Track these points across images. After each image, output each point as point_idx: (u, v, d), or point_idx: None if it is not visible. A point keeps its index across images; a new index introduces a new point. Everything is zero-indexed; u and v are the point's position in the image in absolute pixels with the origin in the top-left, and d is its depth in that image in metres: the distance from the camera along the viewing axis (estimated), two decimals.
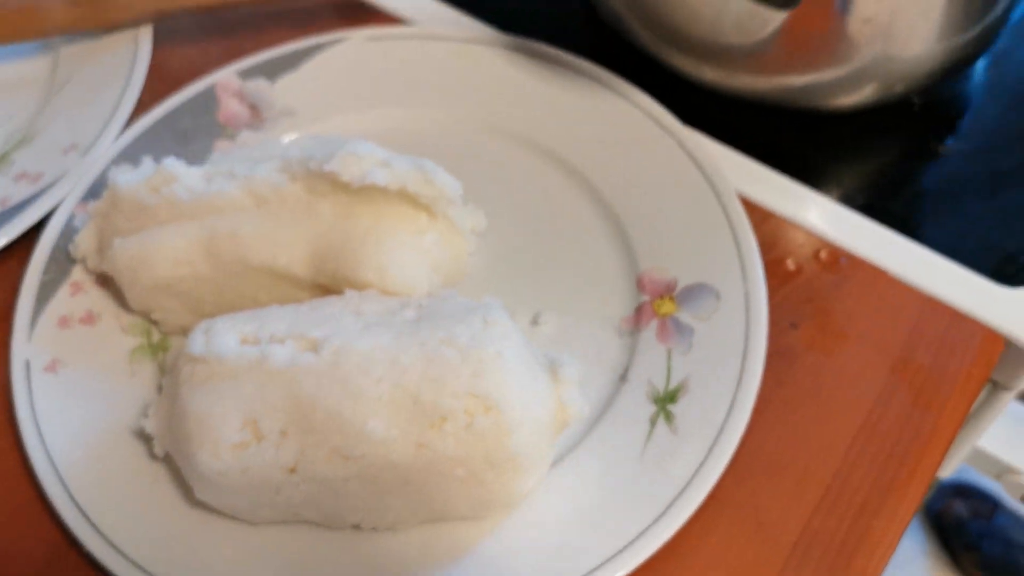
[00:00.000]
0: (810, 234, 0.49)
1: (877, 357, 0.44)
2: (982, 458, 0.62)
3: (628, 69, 0.53)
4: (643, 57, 0.53)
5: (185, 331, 0.44)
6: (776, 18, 0.47)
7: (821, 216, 0.49)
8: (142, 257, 0.41)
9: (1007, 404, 0.50)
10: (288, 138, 0.50)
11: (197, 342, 0.37)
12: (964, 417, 0.43)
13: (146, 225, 0.42)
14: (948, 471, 0.59)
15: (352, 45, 0.53)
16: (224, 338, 0.37)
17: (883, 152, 0.53)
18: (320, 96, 0.51)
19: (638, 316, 0.44)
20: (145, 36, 0.55)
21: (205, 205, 0.41)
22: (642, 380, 0.42)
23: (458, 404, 0.35)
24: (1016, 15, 0.51)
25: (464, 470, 0.35)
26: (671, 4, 0.49)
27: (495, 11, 0.57)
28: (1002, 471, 0.62)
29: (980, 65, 0.56)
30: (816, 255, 0.48)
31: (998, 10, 0.49)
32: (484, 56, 0.53)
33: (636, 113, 0.50)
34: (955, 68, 0.51)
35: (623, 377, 0.42)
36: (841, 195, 0.51)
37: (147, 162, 0.43)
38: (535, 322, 0.45)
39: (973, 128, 0.54)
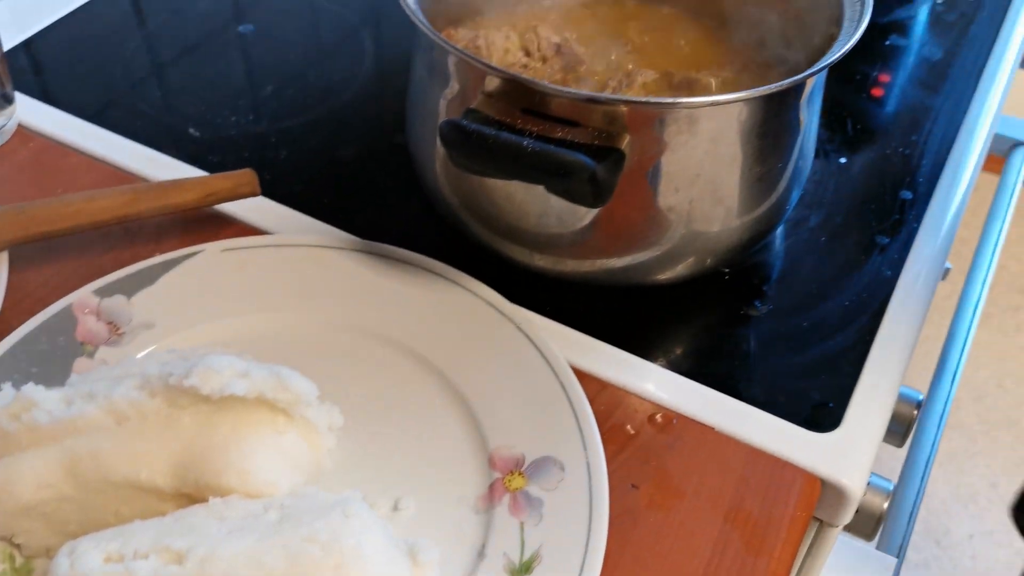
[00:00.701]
0: (644, 400, 0.53)
1: (711, 509, 0.48)
2: None
3: (468, 261, 0.58)
4: (480, 249, 0.59)
5: (49, 552, 0.44)
6: (591, 212, 0.53)
7: (652, 382, 0.54)
8: (4, 484, 0.42)
9: (835, 539, 0.55)
10: (147, 352, 0.52)
11: (61, 566, 0.38)
12: (794, 557, 0.48)
13: (7, 451, 0.43)
14: None
15: (208, 257, 0.56)
16: (88, 558, 0.38)
17: (702, 319, 0.59)
18: (179, 308, 0.54)
19: (491, 493, 0.47)
20: (2, 261, 0.57)
21: (66, 427, 0.42)
22: (499, 554, 0.45)
23: None
24: (795, 194, 0.59)
25: None
26: (500, 202, 0.55)
27: (344, 217, 0.62)
28: None
29: (779, 233, 0.64)
30: (652, 419, 0.53)
31: (780, 189, 0.57)
32: (335, 259, 0.57)
33: (477, 302, 0.55)
34: (755, 241, 0.58)
35: (481, 553, 0.45)
36: (669, 361, 0.56)
37: (7, 389, 0.45)
38: (396, 508, 0.47)
39: (778, 291, 0.61)
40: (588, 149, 0.48)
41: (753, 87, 0.63)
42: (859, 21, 0.54)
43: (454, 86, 0.53)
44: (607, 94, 0.57)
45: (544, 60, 0.65)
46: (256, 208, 0.61)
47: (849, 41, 0.52)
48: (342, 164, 0.67)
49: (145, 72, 0.73)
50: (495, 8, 0.69)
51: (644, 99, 0.55)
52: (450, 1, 0.66)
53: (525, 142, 0.46)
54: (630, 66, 0.66)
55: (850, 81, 0.76)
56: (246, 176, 0.58)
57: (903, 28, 0.82)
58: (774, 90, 0.49)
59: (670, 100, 0.51)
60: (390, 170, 0.66)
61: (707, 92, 0.63)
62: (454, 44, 0.65)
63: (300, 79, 0.73)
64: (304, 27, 0.78)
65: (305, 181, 0.65)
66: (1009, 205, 0.91)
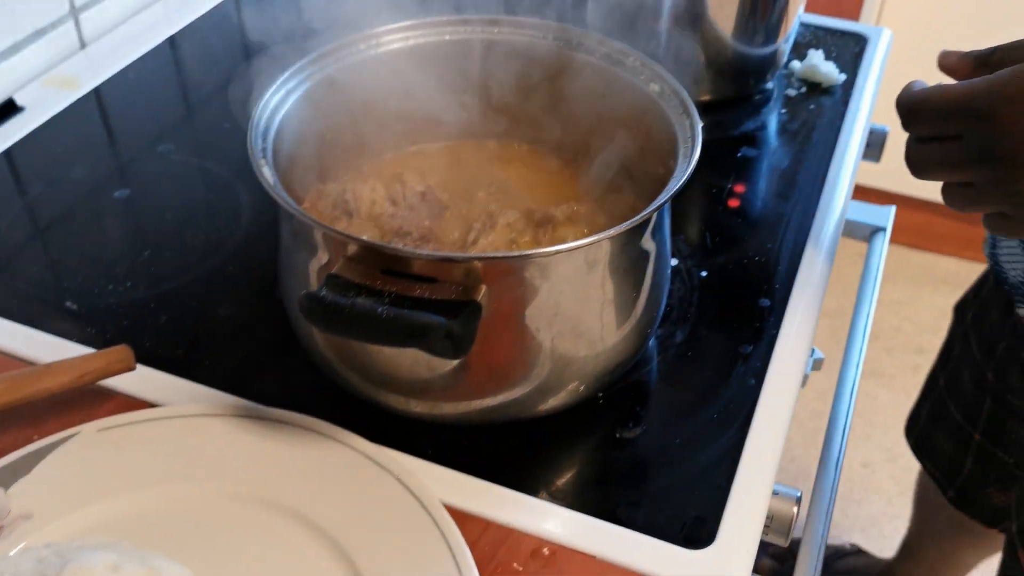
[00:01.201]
0: (528, 535, 0.55)
1: None
2: None
3: (349, 412, 0.60)
4: (360, 399, 0.60)
5: None
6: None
7: (534, 517, 0.56)
8: None
9: None
10: (25, 544, 0.52)
11: None
12: None
13: None
14: None
15: (84, 439, 0.57)
16: None
17: (580, 447, 0.61)
18: (58, 495, 0.54)
19: None
20: None
21: None
22: None
23: None
24: (657, 316, 0.62)
25: None
26: (372, 354, 0.57)
27: (226, 378, 0.63)
28: None
29: (649, 351, 0.67)
30: (536, 553, 0.54)
31: (639, 314, 0.60)
32: (215, 427, 0.58)
33: (356, 457, 0.56)
34: (622, 366, 0.61)
35: None
36: (550, 493, 0.58)
37: None
38: None
39: (651, 411, 0.63)
40: (444, 305, 0.50)
41: (608, 216, 0.68)
42: (690, 156, 0.58)
43: (316, 251, 0.55)
44: (457, 253, 0.60)
45: (411, 208, 0.68)
46: (136, 379, 0.62)
47: (682, 178, 0.56)
48: (223, 323, 0.68)
49: (20, 246, 0.74)
50: (362, 158, 0.72)
51: (493, 254, 0.58)
52: (317, 157, 0.69)
53: (379, 309, 0.48)
54: (493, 207, 0.69)
55: (707, 195, 0.80)
56: (120, 352, 0.59)
57: (753, 139, 0.87)
58: (616, 233, 0.53)
59: (517, 254, 0.54)
60: (271, 325, 0.67)
61: (568, 225, 0.66)
62: (315, 217, 0.67)
63: (177, 239, 0.74)
64: (179, 186, 0.80)
65: (186, 345, 0.66)
66: (874, 288, 0.96)
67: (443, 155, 0.74)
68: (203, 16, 1.02)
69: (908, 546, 1.35)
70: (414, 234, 0.65)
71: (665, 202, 0.55)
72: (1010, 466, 0.99)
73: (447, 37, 0.69)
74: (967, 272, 2.25)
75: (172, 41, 0.99)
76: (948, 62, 0.59)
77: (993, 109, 0.50)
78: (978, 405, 1.01)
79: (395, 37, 0.68)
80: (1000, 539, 1.03)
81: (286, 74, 0.63)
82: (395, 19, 0.68)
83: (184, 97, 0.93)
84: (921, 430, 1.14)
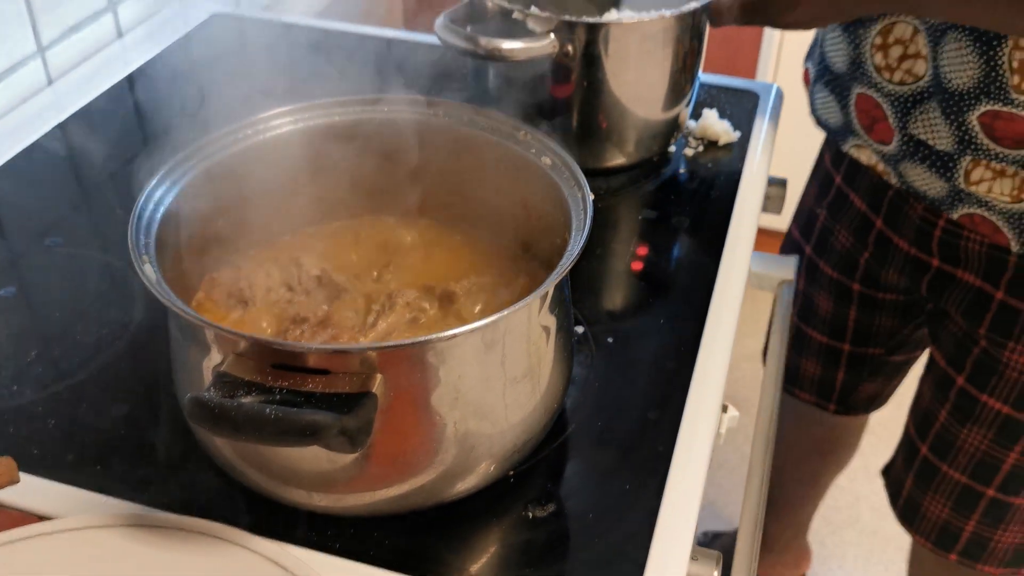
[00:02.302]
0: None
1: None
2: None
3: (251, 511, 0.57)
4: (262, 497, 0.58)
5: None
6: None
7: None
8: None
9: None
10: None
11: None
12: None
13: None
14: None
15: None
16: None
17: (493, 528, 0.60)
18: None
19: None
20: None
21: None
22: None
23: None
24: (562, 390, 0.62)
25: None
26: (269, 450, 0.55)
27: (121, 483, 0.60)
28: None
29: (561, 424, 0.66)
30: None
31: (543, 389, 0.59)
32: (106, 539, 0.55)
33: (259, 560, 0.54)
34: (530, 443, 0.60)
35: None
36: None
37: None
38: None
39: (562, 487, 0.62)
40: (338, 399, 0.49)
41: (510, 289, 0.67)
42: (583, 230, 0.58)
43: (205, 348, 0.53)
44: (348, 344, 0.59)
45: (308, 293, 0.66)
46: (23, 491, 0.59)
47: (574, 253, 0.56)
48: (117, 424, 0.65)
49: None
50: (258, 243, 0.71)
51: (385, 344, 0.57)
52: (210, 245, 0.67)
53: (267, 409, 0.46)
54: (393, 285, 0.68)
55: (610, 260, 0.81)
56: (2, 465, 0.56)
57: (654, 201, 0.88)
58: (511, 312, 0.52)
59: (410, 341, 0.53)
60: (168, 424, 0.65)
61: (469, 300, 0.65)
62: (210, 307, 0.66)
63: (66, 338, 0.71)
64: (69, 281, 0.77)
65: (77, 450, 0.63)
66: (783, 336, 0.97)
67: (342, 234, 0.73)
68: (95, 100, 1.00)
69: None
70: (312, 320, 0.63)
71: (558, 279, 0.54)
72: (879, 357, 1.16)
73: (336, 118, 0.68)
74: None
75: (63, 127, 0.96)
76: None
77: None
78: (842, 322, 1.13)
79: (283, 121, 0.67)
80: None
81: (169, 164, 0.62)
82: (281, 104, 0.67)
83: (76, 185, 0.90)
84: (788, 365, 1.21)
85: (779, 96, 1.02)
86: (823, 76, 0.98)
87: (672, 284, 0.79)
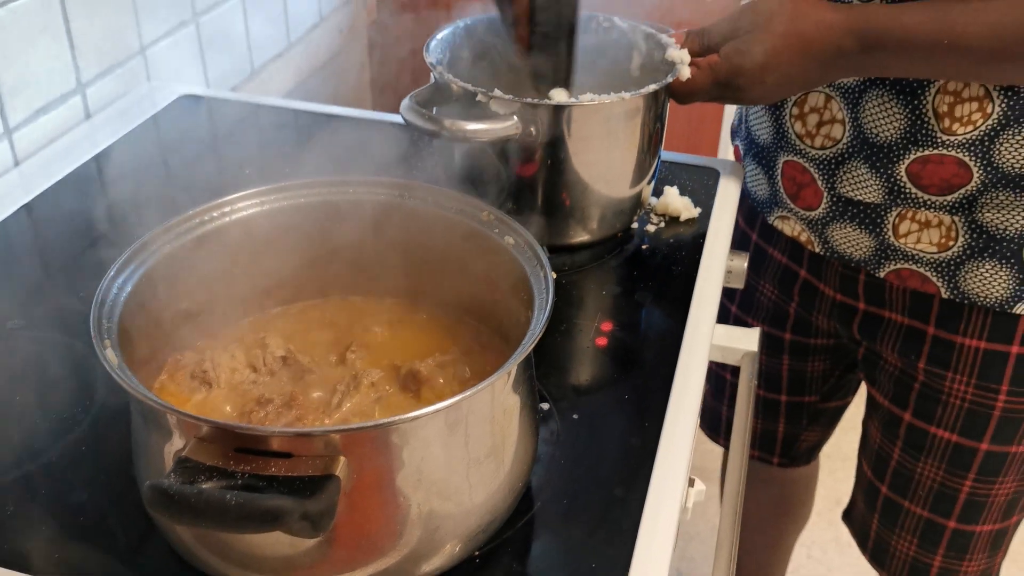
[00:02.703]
0: None
1: None
2: None
3: None
4: None
5: None
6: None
7: None
8: None
9: None
10: None
11: None
12: None
13: None
14: None
15: None
16: None
17: None
18: None
19: None
20: None
21: None
22: None
23: None
24: (527, 468, 0.62)
25: None
26: (231, 534, 0.54)
27: (80, 573, 0.59)
28: None
29: (526, 502, 0.66)
30: None
31: (507, 467, 0.60)
32: None
33: None
34: (495, 523, 0.60)
35: None
36: None
37: None
38: None
39: (529, 567, 0.62)
40: (300, 483, 0.49)
41: (475, 367, 0.67)
42: (545, 308, 0.59)
43: (166, 432, 0.53)
44: (311, 428, 0.59)
45: (272, 374, 0.67)
46: None
47: (536, 332, 0.56)
48: (77, 510, 0.64)
49: None
50: (224, 324, 0.71)
51: (347, 427, 0.57)
52: (175, 327, 0.67)
53: (228, 496, 0.46)
54: (358, 364, 0.68)
55: (575, 336, 0.81)
56: None
57: (617, 277, 0.89)
58: (473, 393, 0.52)
59: (373, 423, 0.53)
60: (130, 509, 0.64)
61: (434, 379, 0.66)
62: (173, 389, 0.65)
63: (27, 422, 0.70)
64: (30, 364, 0.76)
65: (35, 538, 0.62)
66: (748, 407, 0.98)
67: (308, 315, 0.73)
68: (61, 181, 1.00)
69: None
70: (276, 401, 0.63)
71: (520, 358, 0.55)
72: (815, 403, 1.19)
73: (301, 200, 0.69)
74: None
75: (28, 208, 0.96)
76: (687, 44, 0.88)
77: (730, 80, 0.84)
78: (776, 372, 1.16)
79: (249, 203, 0.68)
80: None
81: (134, 247, 0.62)
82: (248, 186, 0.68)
83: (41, 267, 0.90)
84: (727, 423, 1.25)
85: (739, 172, 1.04)
86: (751, 150, 1.02)
87: (637, 359, 0.79)
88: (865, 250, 0.94)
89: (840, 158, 0.91)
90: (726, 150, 1.75)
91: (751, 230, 1.10)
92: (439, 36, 0.93)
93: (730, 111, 1.73)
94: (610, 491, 0.66)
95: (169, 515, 0.46)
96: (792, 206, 0.98)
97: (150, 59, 1.19)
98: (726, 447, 1.28)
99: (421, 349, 0.69)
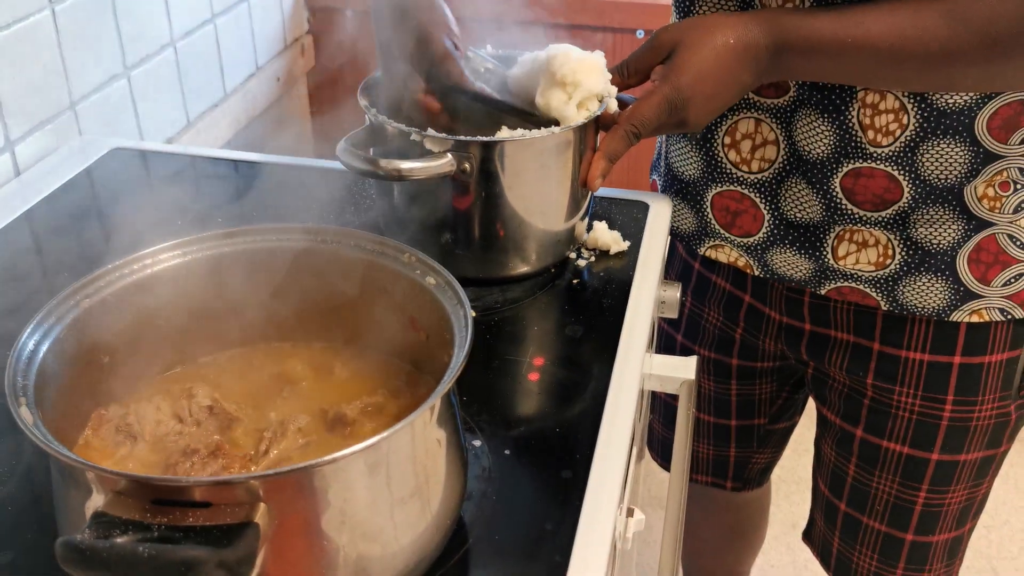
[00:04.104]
0: None
1: None
2: None
3: None
4: None
5: None
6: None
7: None
8: None
9: None
10: None
11: None
12: None
13: None
14: None
15: None
16: None
17: None
18: None
19: None
20: None
21: None
22: None
23: None
24: (456, 504, 0.62)
25: None
26: None
27: None
28: None
29: (459, 537, 0.66)
30: None
31: (436, 504, 0.60)
32: None
33: None
34: (427, 560, 0.60)
35: None
36: None
37: None
38: None
39: None
40: (217, 532, 0.49)
41: (402, 409, 0.68)
42: (464, 346, 0.60)
43: (84, 489, 0.53)
44: (226, 476, 0.59)
45: (198, 424, 0.66)
46: None
47: (455, 370, 0.57)
48: (3, 571, 0.63)
49: None
50: (150, 375, 0.71)
51: (263, 473, 0.57)
52: (98, 380, 0.67)
53: (141, 548, 0.46)
54: (286, 411, 0.68)
55: (507, 372, 0.82)
56: None
57: (549, 311, 0.90)
58: (388, 435, 0.53)
59: (288, 469, 0.53)
60: (56, 569, 0.63)
61: (363, 422, 0.66)
62: (96, 444, 0.65)
63: None
64: None
65: None
66: (687, 440, 0.99)
67: (235, 363, 0.73)
68: None
69: None
70: (202, 451, 0.63)
71: (438, 397, 0.56)
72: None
73: (225, 249, 0.70)
74: None
75: None
76: (617, 81, 0.89)
77: (673, 98, 0.83)
78: (724, 398, 1.18)
79: (170, 255, 0.68)
80: None
81: (52, 303, 0.62)
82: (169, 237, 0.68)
83: None
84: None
85: (668, 206, 1.06)
86: (672, 186, 1.05)
87: (569, 393, 0.80)
88: (805, 272, 0.97)
89: (778, 178, 0.94)
90: None
91: (692, 260, 1.12)
92: (373, 78, 0.94)
93: None
94: (542, 525, 0.67)
95: (82, 571, 0.46)
96: (727, 235, 1.00)
97: (80, 114, 1.19)
98: None
99: (349, 393, 0.69)
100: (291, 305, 0.72)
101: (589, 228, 0.99)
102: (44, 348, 0.60)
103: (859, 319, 0.98)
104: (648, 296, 0.91)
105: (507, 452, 0.73)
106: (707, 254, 1.05)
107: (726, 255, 1.03)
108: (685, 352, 1.16)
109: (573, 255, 0.97)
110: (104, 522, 0.49)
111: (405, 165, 0.83)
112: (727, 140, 0.95)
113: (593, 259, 0.97)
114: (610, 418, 0.76)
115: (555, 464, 0.72)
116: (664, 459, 1.28)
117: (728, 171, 0.97)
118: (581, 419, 0.76)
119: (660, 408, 1.25)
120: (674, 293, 1.02)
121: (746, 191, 0.96)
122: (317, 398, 0.69)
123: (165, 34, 1.34)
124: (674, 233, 1.07)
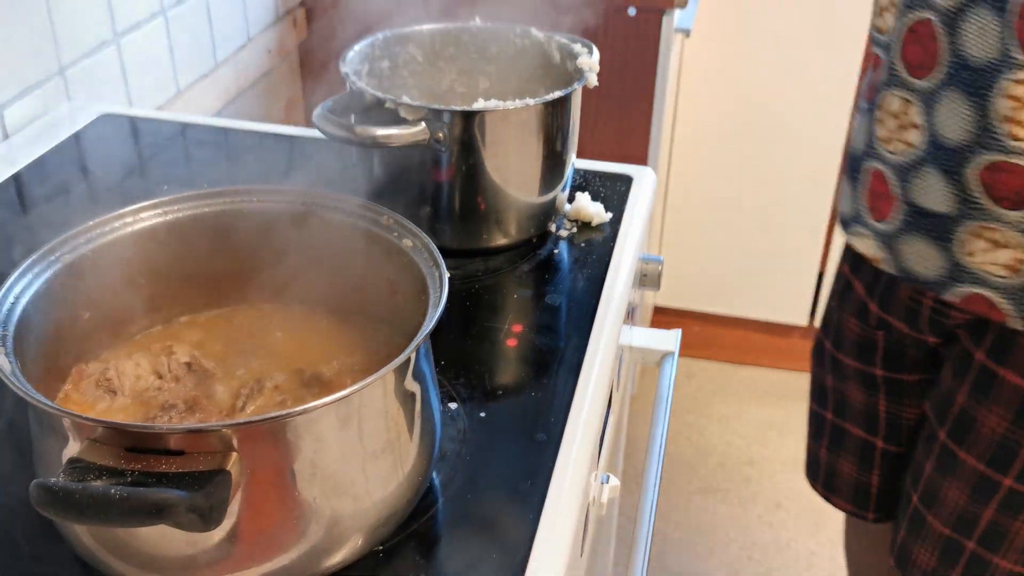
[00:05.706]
0: None
1: None
2: None
3: None
4: None
5: None
6: (221, 529, 0.54)
7: None
8: None
9: None
10: None
11: None
12: None
13: None
14: None
15: None
16: None
17: None
18: None
19: None
20: None
21: None
22: None
23: None
24: (430, 461, 0.63)
25: None
26: (125, 534, 0.55)
27: None
28: None
29: (432, 495, 0.67)
30: None
31: (411, 460, 0.61)
32: None
33: None
34: (398, 516, 0.62)
35: None
36: None
37: None
38: None
39: (433, 562, 0.63)
40: (190, 478, 0.50)
41: (376, 368, 0.69)
42: (438, 305, 0.61)
43: (61, 437, 0.54)
44: (197, 424, 0.60)
45: (177, 380, 0.67)
46: None
47: (428, 327, 0.58)
48: None
49: None
50: (130, 334, 0.72)
51: (234, 421, 0.58)
52: (79, 337, 0.68)
53: (113, 490, 0.47)
54: (264, 370, 0.69)
55: (485, 338, 0.83)
56: None
57: (529, 280, 0.91)
58: (359, 388, 0.54)
59: (260, 417, 0.54)
60: (33, 518, 0.64)
61: (339, 381, 0.67)
62: (77, 398, 0.66)
63: None
64: None
65: None
66: (666, 408, 1.00)
67: (214, 323, 0.74)
68: None
69: None
70: (180, 407, 0.64)
71: (410, 353, 0.57)
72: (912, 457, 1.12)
73: (205, 209, 0.70)
74: (786, 381, 2.37)
75: None
76: None
77: None
78: (873, 412, 1.13)
79: (152, 213, 0.69)
80: None
81: (32, 257, 0.63)
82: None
83: None
84: (825, 467, 1.22)
85: (651, 179, 1.07)
86: (850, 163, 1.03)
87: (546, 359, 0.81)
88: (935, 269, 0.92)
89: (914, 165, 0.90)
90: (655, 158, 1.79)
91: (845, 261, 1.11)
92: (356, 48, 0.95)
93: (658, 120, 1.77)
94: (515, 487, 0.68)
95: (54, 513, 0.47)
96: (868, 219, 0.99)
97: (70, 79, 1.19)
98: None
99: (327, 354, 0.70)
100: (270, 267, 0.73)
101: (571, 200, 1.00)
102: (24, 300, 0.61)
103: (977, 323, 0.94)
104: (628, 267, 0.92)
105: (483, 415, 0.74)
106: (851, 241, 1.03)
107: (865, 246, 1.00)
108: (835, 363, 1.15)
109: (555, 227, 0.98)
110: (79, 467, 0.50)
111: (380, 132, 0.84)
112: (878, 114, 0.93)
113: (575, 230, 0.98)
114: (584, 383, 0.77)
115: (530, 427, 0.73)
116: (828, 488, 1.23)
117: (876, 148, 0.94)
118: (557, 384, 0.78)
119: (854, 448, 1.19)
120: (656, 266, 1.03)
121: (885, 170, 0.93)
122: (295, 358, 0.70)
123: (155, 2, 1.34)
124: (840, 215, 1.06)
